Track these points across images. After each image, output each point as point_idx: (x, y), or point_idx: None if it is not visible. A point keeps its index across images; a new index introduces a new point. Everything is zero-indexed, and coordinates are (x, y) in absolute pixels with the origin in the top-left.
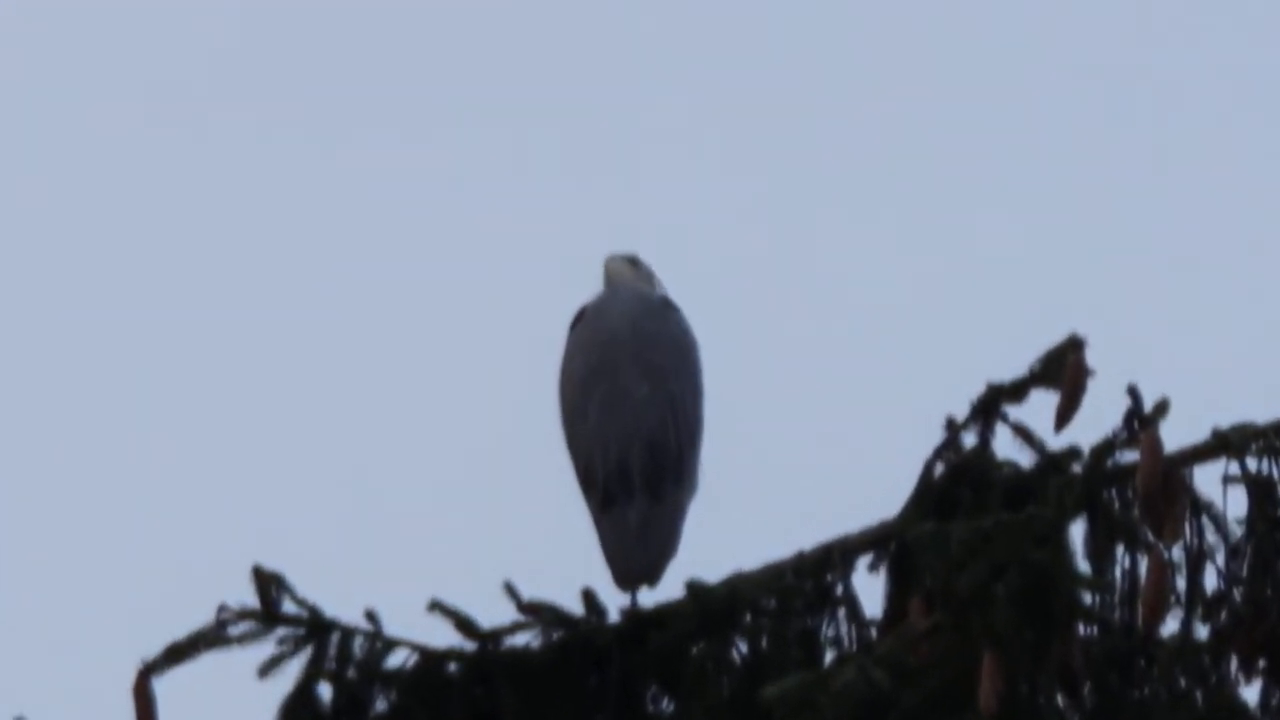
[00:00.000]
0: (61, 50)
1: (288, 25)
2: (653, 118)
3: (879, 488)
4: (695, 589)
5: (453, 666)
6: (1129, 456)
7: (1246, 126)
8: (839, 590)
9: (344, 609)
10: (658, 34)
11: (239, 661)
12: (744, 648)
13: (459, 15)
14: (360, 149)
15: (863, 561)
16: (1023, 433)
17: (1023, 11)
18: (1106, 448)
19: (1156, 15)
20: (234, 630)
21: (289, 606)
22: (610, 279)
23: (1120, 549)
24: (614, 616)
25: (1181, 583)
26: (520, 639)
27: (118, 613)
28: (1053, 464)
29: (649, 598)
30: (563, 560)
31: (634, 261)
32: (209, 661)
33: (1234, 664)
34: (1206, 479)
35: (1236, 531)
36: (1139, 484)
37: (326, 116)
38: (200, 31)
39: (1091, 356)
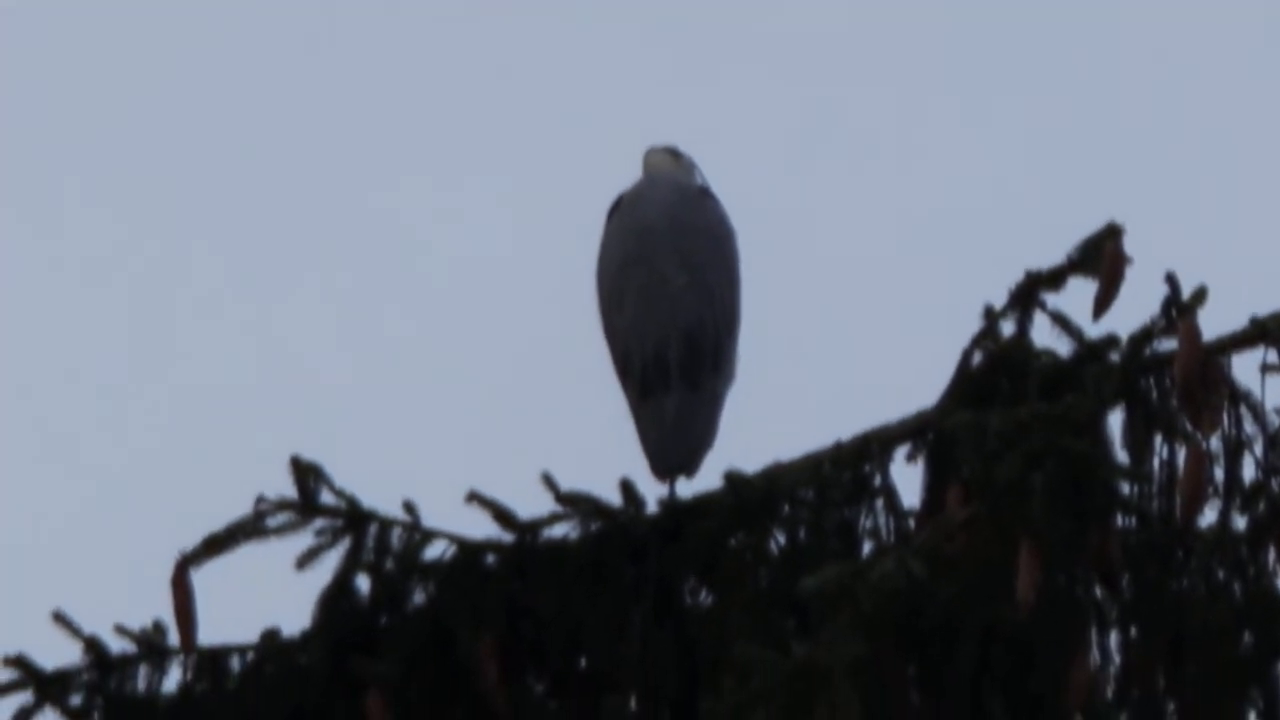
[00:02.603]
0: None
1: (288, 26)
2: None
3: (916, 377)
4: (733, 479)
5: (490, 558)
6: (1167, 345)
7: None
8: (877, 481)
9: (382, 500)
10: None
11: (277, 553)
12: (782, 539)
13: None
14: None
15: (900, 452)
16: (1061, 321)
17: None
18: (1144, 336)
19: None
20: (272, 521)
21: (327, 497)
22: (649, 169)
23: (1158, 439)
24: (652, 507)
25: (1219, 473)
26: (558, 530)
27: (156, 504)
28: (1091, 352)
29: (687, 488)
30: (600, 451)
31: (674, 153)
32: (247, 553)
33: (1272, 555)
34: (1245, 368)
35: (1275, 421)
36: (1177, 373)
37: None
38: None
39: (1129, 244)
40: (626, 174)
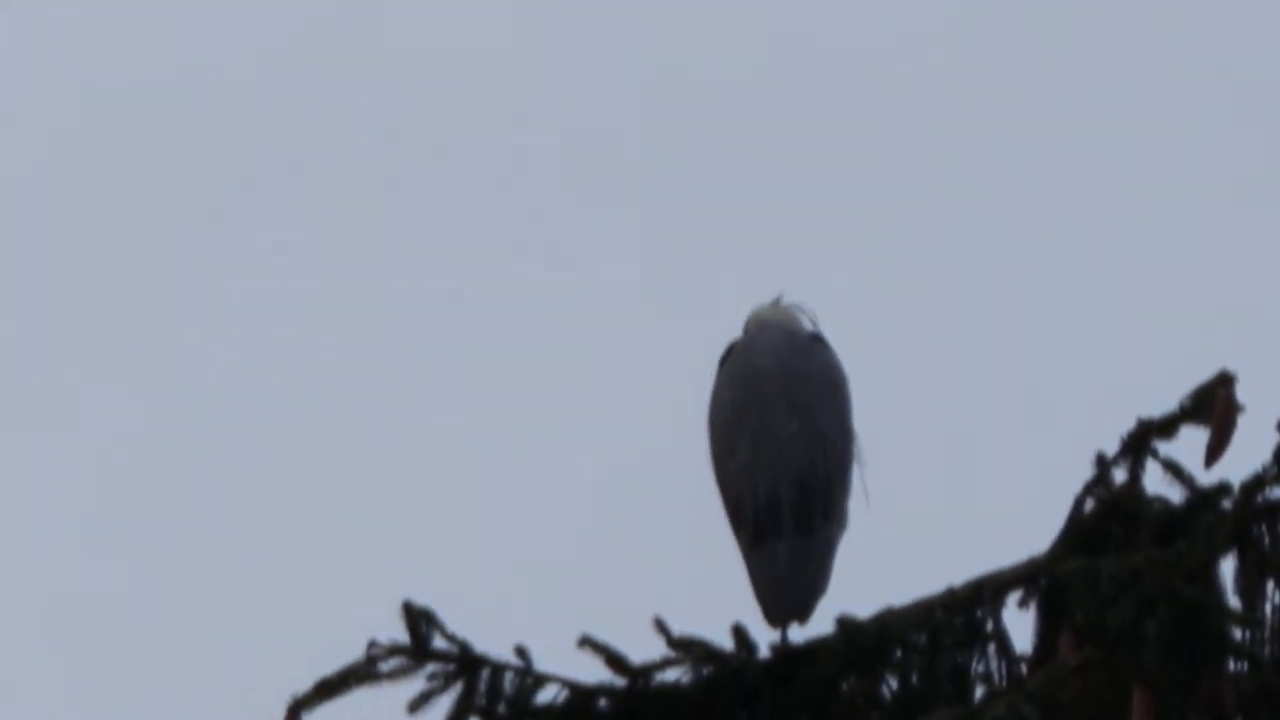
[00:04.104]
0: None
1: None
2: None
3: (1029, 524)
4: (846, 625)
5: (603, 702)
6: (1279, 492)
7: None
8: (989, 626)
9: (494, 645)
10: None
11: (389, 698)
12: (894, 684)
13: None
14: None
15: (1013, 597)
16: (1173, 469)
17: None
18: (1257, 483)
19: None
20: (384, 666)
21: (439, 642)
22: (759, 317)
23: (1270, 585)
24: (764, 652)
25: None
26: (670, 675)
27: (269, 648)
28: (1203, 500)
29: (799, 634)
30: (713, 596)
31: (782, 301)
32: (359, 697)
33: None
34: None
35: None
36: None
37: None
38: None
39: (1241, 392)
40: (740, 321)
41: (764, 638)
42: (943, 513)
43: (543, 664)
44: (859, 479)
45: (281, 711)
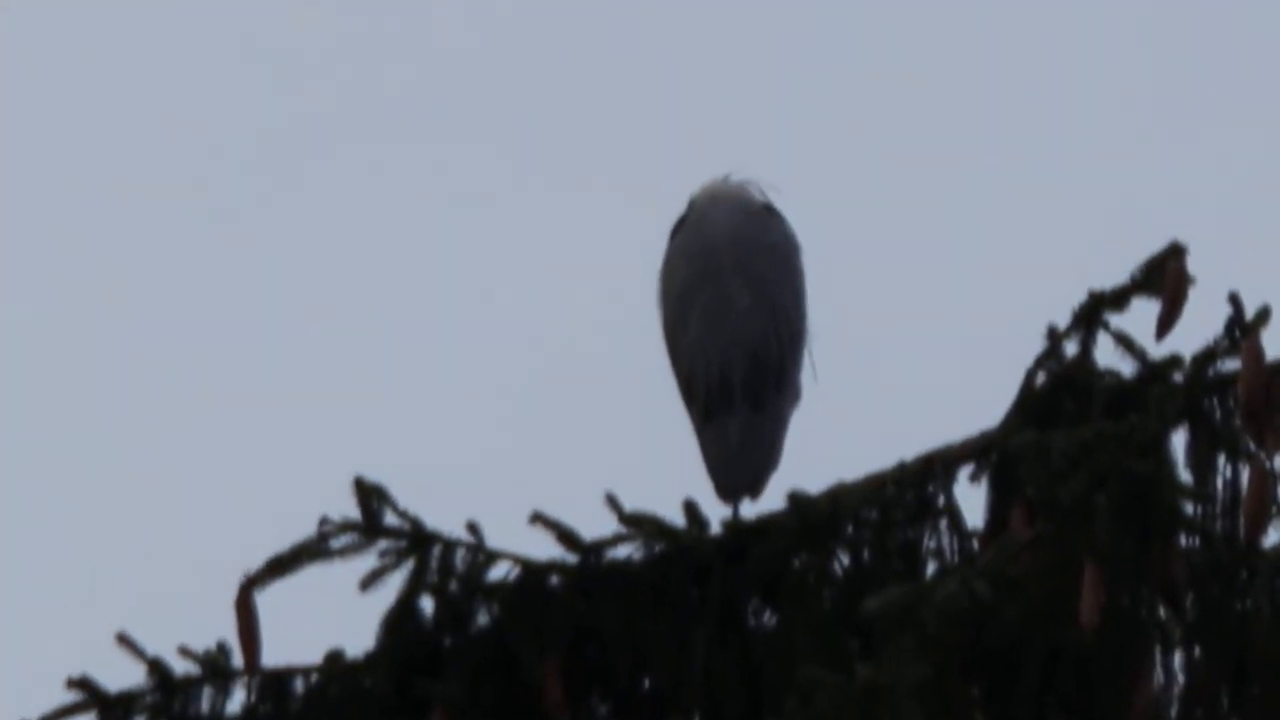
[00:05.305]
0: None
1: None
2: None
3: (980, 397)
4: (797, 500)
5: (555, 579)
6: (1231, 365)
7: None
8: (940, 501)
9: (445, 521)
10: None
11: (341, 574)
12: (845, 560)
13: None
14: None
15: (964, 472)
16: (1124, 341)
17: None
18: (1208, 356)
19: None
20: (336, 543)
21: (391, 519)
22: (709, 193)
23: (1222, 459)
24: (716, 528)
25: None
26: (622, 551)
27: (220, 526)
28: (1154, 373)
29: (751, 509)
30: (664, 471)
31: (731, 178)
32: (311, 574)
33: None
34: None
35: None
36: (1241, 393)
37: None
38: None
39: (1192, 264)
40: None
41: (715, 513)
42: (893, 387)
43: (494, 541)
44: (809, 353)
45: (234, 589)
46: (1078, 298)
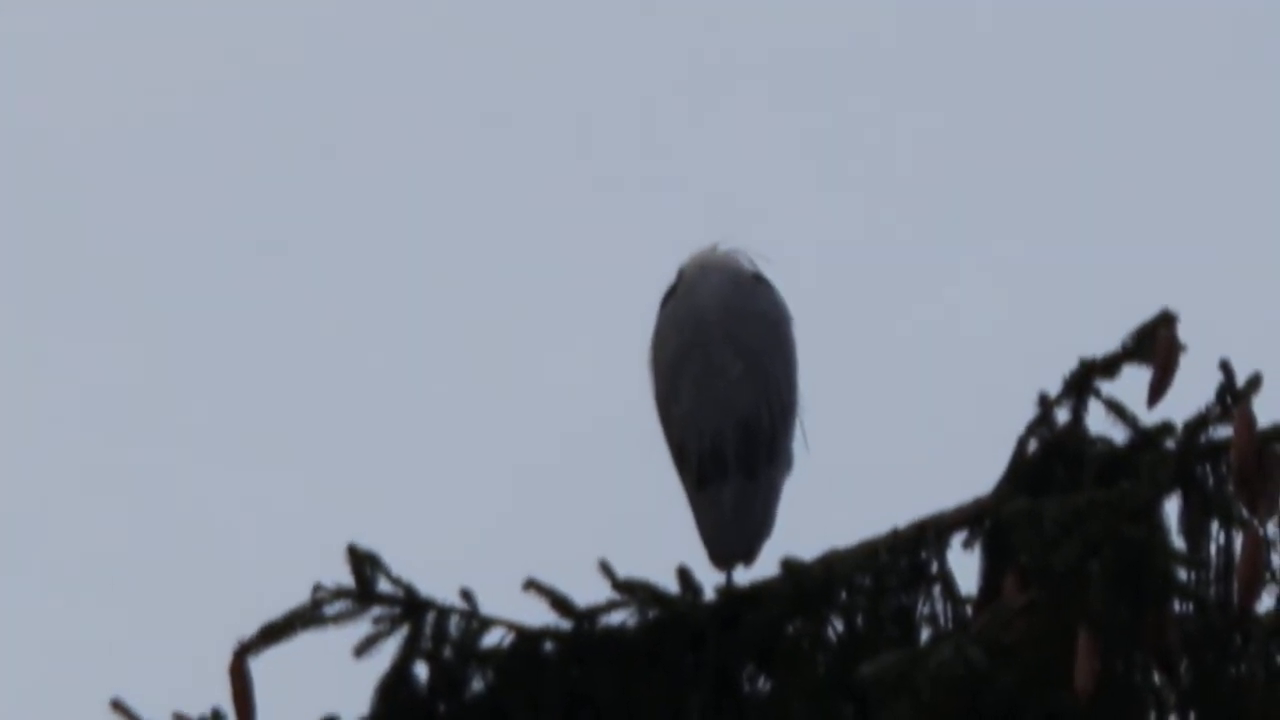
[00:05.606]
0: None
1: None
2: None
3: (973, 465)
4: (790, 567)
5: (549, 645)
6: (1223, 432)
7: None
8: (934, 567)
9: (439, 588)
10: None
11: (335, 641)
12: (839, 626)
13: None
14: None
15: (957, 539)
16: (1116, 408)
17: None
18: (1200, 423)
19: None
20: (329, 609)
21: (384, 586)
22: (698, 263)
23: (1215, 525)
24: (709, 595)
25: (1277, 559)
26: (616, 618)
27: (214, 593)
28: (1146, 440)
29: (744, 576)
30: (658, 539)
31: (720, 247)
32: (305, 641)
33: None
34: None
35: None
36: (1233, 459)
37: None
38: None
39: (1183, 331)
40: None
41: (709, 580)
42: (886, 454)
43: (488, 608)
44: (800, 422)
45: (228, 656)
46: (1069, 365)
